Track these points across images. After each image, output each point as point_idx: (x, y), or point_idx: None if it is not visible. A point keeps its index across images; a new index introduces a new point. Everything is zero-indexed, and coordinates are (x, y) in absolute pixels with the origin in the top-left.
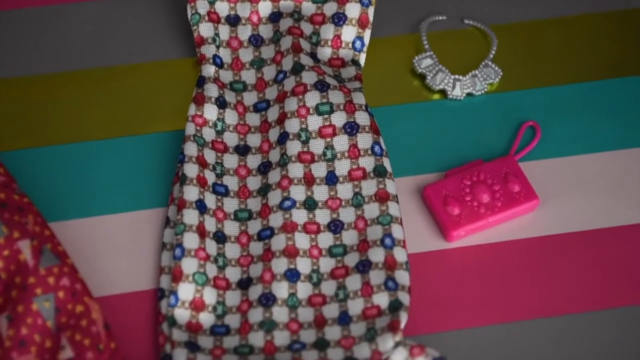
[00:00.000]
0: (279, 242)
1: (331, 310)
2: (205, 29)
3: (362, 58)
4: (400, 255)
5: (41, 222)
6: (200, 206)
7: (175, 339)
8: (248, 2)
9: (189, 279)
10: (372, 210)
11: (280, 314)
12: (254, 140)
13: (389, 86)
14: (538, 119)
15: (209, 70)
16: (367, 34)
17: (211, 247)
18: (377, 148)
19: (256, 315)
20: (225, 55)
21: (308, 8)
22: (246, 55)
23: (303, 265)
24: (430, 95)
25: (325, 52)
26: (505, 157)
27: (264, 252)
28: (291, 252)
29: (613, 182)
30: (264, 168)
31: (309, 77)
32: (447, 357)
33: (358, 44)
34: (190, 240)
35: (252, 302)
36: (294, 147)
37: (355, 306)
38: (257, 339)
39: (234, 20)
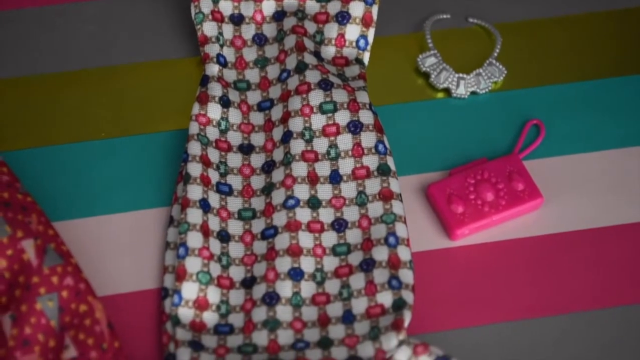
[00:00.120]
0: (282, 241)
1: (335, 309)
2: (209, 28)
3: (366, 57)
4: (404, 253)
5: (45, 222)
6: (204, 205)
7: (179, 338)
8: (252, 1)
9: (192, 278)
10: (376, 208)
11: (284, 312)
12: (257, 139)
13: (393, 85)
14: (542, 118)
15: (213, 69)
16: (371, 33)
17: (215, 246)
18: (381, 147)
19: (260, 314)
20: (229, 54)
21: (312, 7)
22: (250, 54)
23: (307, 264)
24: (434, 93)
25: (329, 51)
26: (510, 155)
27: (268, 251)
28: (295, 251)
29: (617, 180)
30: (268, 167)
31: (312, 76)
32: (451, 356)
33: (362, 42)
34: (194, 240)
35: (256, 301)
36: (297, 146)
37: (359, 305)
38: (260, 338)
39: (237, 19)
